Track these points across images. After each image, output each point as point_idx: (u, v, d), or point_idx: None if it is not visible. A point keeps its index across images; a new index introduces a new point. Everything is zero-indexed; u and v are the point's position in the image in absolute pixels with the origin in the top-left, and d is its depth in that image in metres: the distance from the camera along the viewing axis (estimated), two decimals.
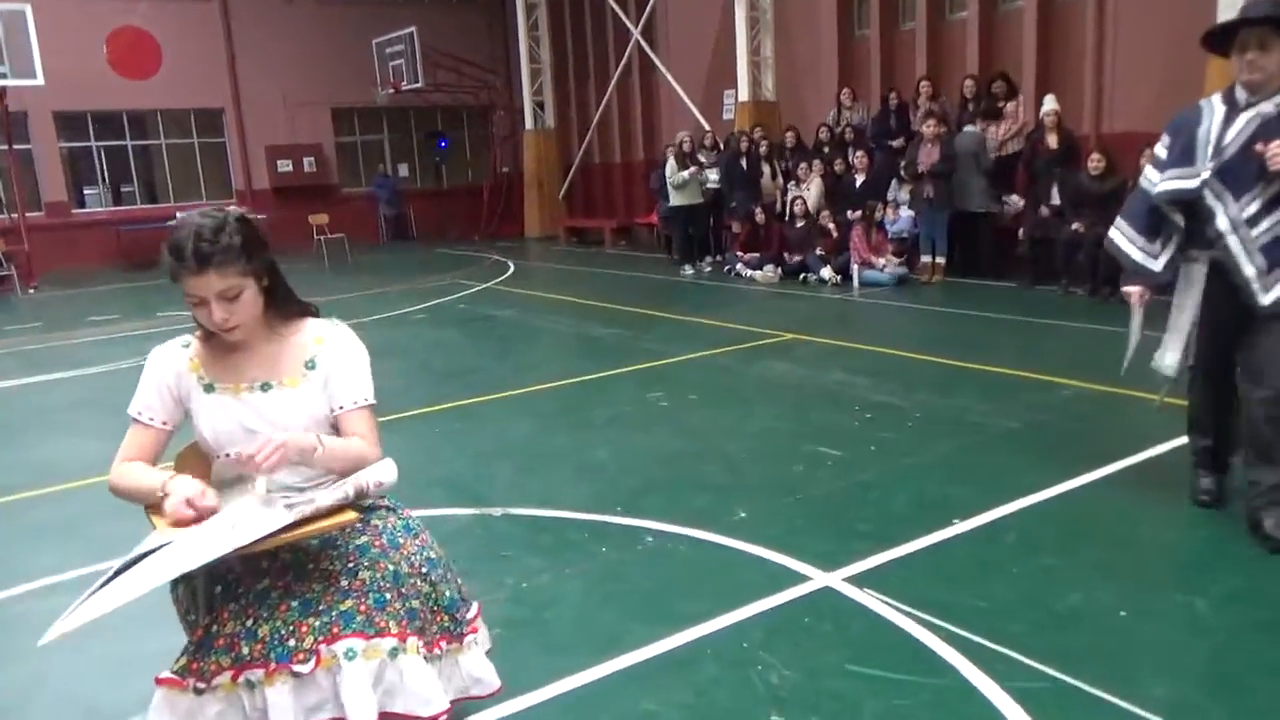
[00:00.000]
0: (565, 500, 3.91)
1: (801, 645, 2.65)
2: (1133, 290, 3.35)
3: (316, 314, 2.10)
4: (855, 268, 9.43)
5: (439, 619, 1.98)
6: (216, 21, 17.42)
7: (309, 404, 1.99)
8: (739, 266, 10.73)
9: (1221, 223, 3.07)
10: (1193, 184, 3.10)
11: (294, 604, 1.79)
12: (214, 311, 1.86)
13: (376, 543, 1.95)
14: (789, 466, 4.20)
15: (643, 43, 15.55)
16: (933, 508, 3.60)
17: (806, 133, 11.62)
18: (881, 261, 9.44)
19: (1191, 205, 3.14)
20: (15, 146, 15.34)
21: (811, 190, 10.55)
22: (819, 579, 3.05)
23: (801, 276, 10.02)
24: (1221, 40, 3.09)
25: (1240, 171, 3.00)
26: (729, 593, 2.98)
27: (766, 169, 11.28)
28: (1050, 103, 9.18)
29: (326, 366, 2.01)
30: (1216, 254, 3.10)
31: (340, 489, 1.79)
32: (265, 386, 1.98)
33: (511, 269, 13.06)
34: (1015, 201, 9.31)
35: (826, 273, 9.69)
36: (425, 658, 1.88)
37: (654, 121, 16.52)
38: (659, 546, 3.40)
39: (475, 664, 2.05)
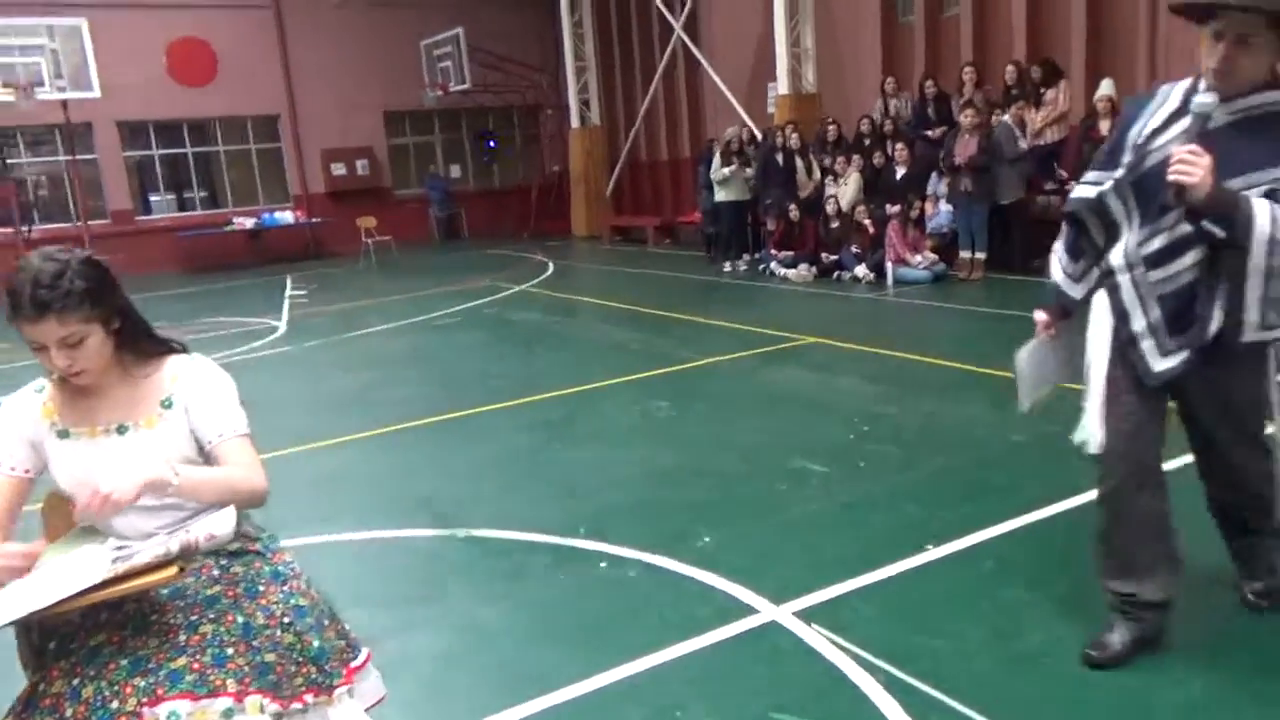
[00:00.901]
0: (534, 521, 3.80)
1: (729, 689, 2.50)
2: (1040, 317, 2.72)
3: (183, 350, 2.03)
4: (889, 265, 9.12)
5: (304, 671, 1.89)
6: (271, 28, 17.76)
7: (169, 444, 1.92)
8: (773, 265, 10.50)
9: (1116, 256, 2.38)
10: (1089, 193, 2.45)
11: (124, 662, 1.72)
12: (55, 358, 1.80)
13: (229, 593, 1.87)
14: (772, 484, 4.03)
15: (685, 38, 15.34)
16: (910, 531, 3.40)
17: (849, 125, 11.29)
18: (918, 258, 9.11)
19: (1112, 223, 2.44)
20: (82, 156, 15.95)
21: (849, 186, 10.24)
22: (767, 613, 2.89)
23: (836, 275, 9.75)
24: (1203, 12, 2.24)
25: (1155, 190, 2.25)
26: (671, 627, 2.84)
27: (801, 164, 11.00)
28: (1106, 87, 8.73)
29: (184, 403, 1.94)
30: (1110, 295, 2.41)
31: (163, 544, 1.71)
32: (122, 429, 1.92)
33: (551, 269, 13.02)
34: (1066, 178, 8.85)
35: (861, 271, 9.40)
36: (277, 714, 1.79)
37: (699, 117, 16.31)
38: (611, 575, 3.27)
39: (346, 718, 1.95)
